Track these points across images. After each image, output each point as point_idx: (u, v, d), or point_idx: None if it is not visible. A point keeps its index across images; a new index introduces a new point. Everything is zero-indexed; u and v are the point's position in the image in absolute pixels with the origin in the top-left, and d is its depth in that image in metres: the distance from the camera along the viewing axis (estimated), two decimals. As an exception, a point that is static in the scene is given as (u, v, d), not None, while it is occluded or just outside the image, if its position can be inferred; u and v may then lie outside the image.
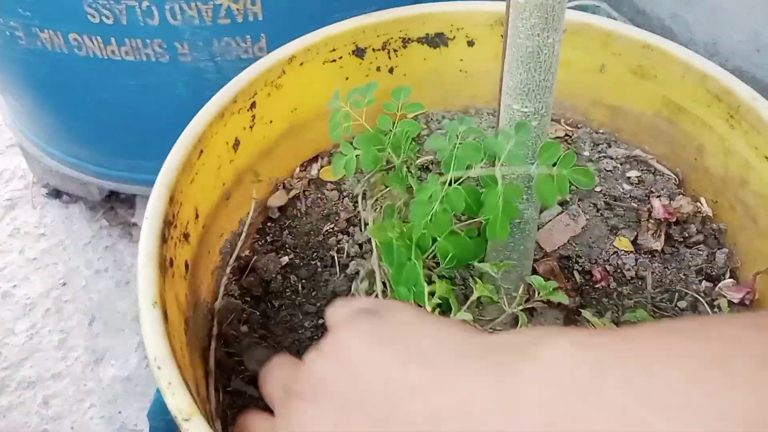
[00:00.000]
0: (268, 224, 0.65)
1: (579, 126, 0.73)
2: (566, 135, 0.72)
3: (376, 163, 0.53)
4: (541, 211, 0.65)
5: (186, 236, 0.53)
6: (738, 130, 0.60)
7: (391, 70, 0.69)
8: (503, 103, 0.51)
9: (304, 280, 0.61)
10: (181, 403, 0.39)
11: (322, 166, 0.69)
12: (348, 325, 0.34)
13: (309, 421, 0.33)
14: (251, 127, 0.60)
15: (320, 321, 0.58)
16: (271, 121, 0.63)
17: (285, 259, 0.62)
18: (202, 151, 0.54)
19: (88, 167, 1.09)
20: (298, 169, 0.68)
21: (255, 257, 0.62)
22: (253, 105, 0.59)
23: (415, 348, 0.31)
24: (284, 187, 0.67)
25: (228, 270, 0.60)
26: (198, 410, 0.39)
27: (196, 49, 0.83)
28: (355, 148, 0.54)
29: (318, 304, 0.59)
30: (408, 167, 0.52)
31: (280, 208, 0.66)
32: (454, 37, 0.68)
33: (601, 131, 0.72)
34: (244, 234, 0.62)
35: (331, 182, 0.68)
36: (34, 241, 1.16)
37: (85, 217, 1.20)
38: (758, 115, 0.57)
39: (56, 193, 1.22)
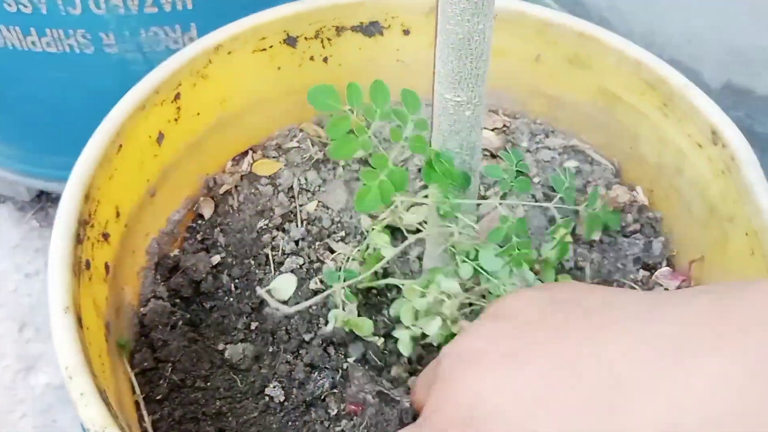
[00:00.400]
0: (199, 222, 0.63)
1: (517, 116, 0.72)
2: (504, 126, 0.71)
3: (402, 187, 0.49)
4: (478, 205, 0.64)
5: (105, 236, 0.50)
6: (671, 119, 0.60)
7: (325, 60, 0.67)
8: (436, 92, 0.50)
9: (237, 280, 0.59)
10: (94, 415, 0.36)
11: (255, 160, 0.66)
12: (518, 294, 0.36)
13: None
14: (176, 120, 0.58)
15: (253, 323, 0.56)
16: (198, 114, 0.60)
17: (216, 258, 0.60)
18: (121, 146, 0.51)
19: (14, 165, 1.03)
20: (229, 163, 0.66)
21: (184, 257, 0.59)
22: (177, 96, 0.57)
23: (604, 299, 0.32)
24: (214, 182, 0.64)
25: (154, 271, 0.57)
26: (113, 422, 0.37)
27: (122, 39, 0.79)
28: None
29: (252, 304, 0.57)
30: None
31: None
32: (389, 25, 0.66)
33: (538, 121, 0.71)
34: (171, 233, 0.59)
35: (265, 177, 0.65)
36: (-41, 244, 1.10)
37: (13, 218, 1.14)
38: (690, 102, 0.58)
39: (-18, 194, 1.16)
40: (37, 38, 0.78)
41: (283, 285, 0.51)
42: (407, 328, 0.50)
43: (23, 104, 0.89)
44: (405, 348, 0.50)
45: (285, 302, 0.50)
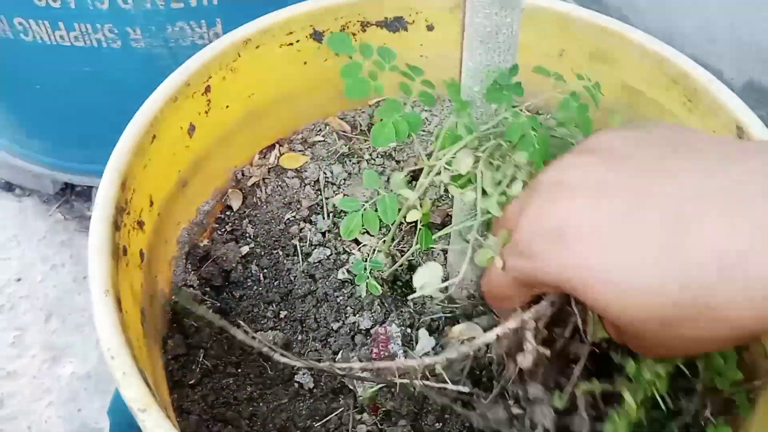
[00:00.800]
0: (227, 213, 0.64)
1: (540, 113, 0.73)
2: (527, 120, 0.71)
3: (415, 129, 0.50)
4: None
5: (140, 224, 0.51)
6: (696, 114, 0.60)
7: (350, 56, 0.68)
8: (463, 83, 0.51)
9: (265, 270, 0.60)
10: (136, 394, 0.38)
11: (282, 153, 0.67)
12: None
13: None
14: (207, 113, 0.59)
15: (282, 312, 0.57)
16: (227, 106, 0.61)
17: (245, 249, 0.61)
18: (155, 136, 0.53)
19: (40, 158, 1.05)
20: (257, 156, 0.67)
21: (214, 247, 0.60)
22: (207, 89, 0.58)
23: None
24: (243, 175, 0.65)
25: (185, 260, 0.59)
26: (155, 401, 0.38)
27: (148, 34, 0.81)
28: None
29: (280, 294, 0.58)
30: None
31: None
32: (414, 21, 0.67)
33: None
34: (200, 223, 0.61)
35: (292, 170, 0.67)
36: (-15, 236, 1.12)
37: (39, 211, 1.16)
38: (714, 97, 0.58)
39: (8, 187, 1.18)
40: (66, 32, 0.80)
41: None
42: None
43: (50, 98, 0.91)
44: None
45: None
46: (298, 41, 0.64)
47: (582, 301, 0.34)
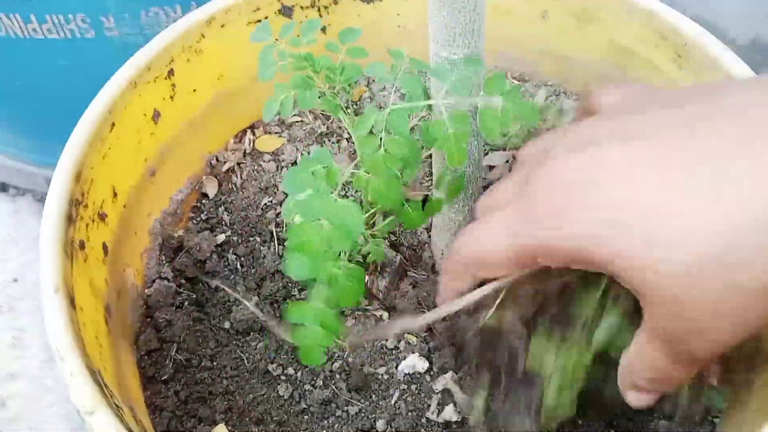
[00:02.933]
0: (203, 201, 0.62)
1: (527, 79, 0.69)
2: (513, 88, 0.68)
3: (314, 102, 0.47)
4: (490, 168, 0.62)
5: (102, 216, 0.49)
6: (686, 70, 0.57)
7: (323, 29, 0.65)
8: (431, 51, 0.48)
9: (242, 258, 0.58)
10: (83, 395, 0.36)
11: (257, 136, 0.65)
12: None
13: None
14: (172, 97, 0.56)
15: (258, 299, 0.55)
16: (194, 90, 0.59)
17: (221, 237, 0.59)
18: (113, 124, 0.50)
19: (30, 157, 1.04)
20: (231, 140, 0.64)
21: (188, 237, 0.58)
22: (171, 73, 0.55)
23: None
24: (217, 160, 0.63)
25: (159, 252, 0.56)
26: (104, 402, 0.36)
27: (122, 22, 0.78)
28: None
29: (258, 282, 0.56)
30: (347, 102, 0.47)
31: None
32: (388, -10, 0.64)
33: (549, 83, 0.69)
34: (174, 213, 0.58)
35: (268, 153, 0.64)
36: (-18, 238, 1.11)
37: (34, 210, 1.15)
38: (705, 52, 0.54)
39: (2, 187, 1.17)
40: (38, 25, 0.78)
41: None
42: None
43: (31, 94, 0.89)
44: None
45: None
46: (266, 17, 0.61)
47: (608, 265, 0.31)
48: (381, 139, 0.41)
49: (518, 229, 0.34)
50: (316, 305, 0.38)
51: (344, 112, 0.46)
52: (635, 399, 0.37)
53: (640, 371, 0.35)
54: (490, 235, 0.36)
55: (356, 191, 0.60)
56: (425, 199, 0.59)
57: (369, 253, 0.47)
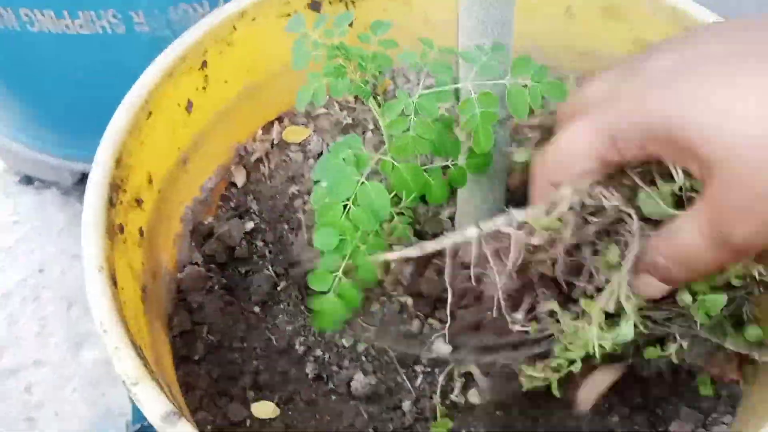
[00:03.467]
0: (232, 190, 0.63)
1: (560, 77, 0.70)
2: (536, 83, 0.69)
3: (346, 89, 0.49)
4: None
5: (138, 202, 0.51)
6: (710, 64, 0.58)
7: (351, 24, 0.66)
8: (461, 44, 0.49)
9: (270, 244, 0.59)
10: (128, 367, 0.37)
11: (284, 127, 0.66)
12: None
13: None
14: (204, 88, 0.58)
15: (285, 283, 0.56)
16: (226, 81, 0.60)
17: (250, 225, 0.60)
18: (150, 113, 0.52)
19: (57, 150, 1.06)
20: (260, 131, 0.66)
21: (218, 224, 0.60)
22: (204, 64, 0.57)
23: None
24: (246, 150, 0.64)
25: (190, 238, 0.58)
26: (148, 375, 0.37)
27: (152, 18, 0.80)
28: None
29: (285, 267, 0.57)
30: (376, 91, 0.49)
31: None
32: (415, -15, 0.65)
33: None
34: (204, 200, 0.60)
35: (295, 144, 0.66)
36: (8, 229, 1.14)
37: (59, 203, 1.17)
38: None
39: (28, 180, 1.19)
40: (70, 21, 0.80)
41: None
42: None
43: (61, 89, 0.91)
44: None
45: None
46: (296, 11, 0.63)
47: (689, 137, 0.33)
48: (411, 121, 0.42)
49: (609, 119, 0.37)
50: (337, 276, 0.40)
51: (374, 99, 0.47)
52: (645, 285, 0.39)
53: (672, 247, 0.36)
54: (578, 133, 0.38)
55: (381, 179, 0.61)
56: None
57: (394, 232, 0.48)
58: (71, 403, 0.95)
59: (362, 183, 0.40)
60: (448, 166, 0.46)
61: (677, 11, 0.59)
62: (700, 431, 0.50)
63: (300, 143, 0.65)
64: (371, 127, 0.66)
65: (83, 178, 1.16)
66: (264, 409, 0.49)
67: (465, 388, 0.50)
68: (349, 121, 0.66)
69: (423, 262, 0.57)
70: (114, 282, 0.42)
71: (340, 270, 0.40)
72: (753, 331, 0.45)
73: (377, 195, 0.39)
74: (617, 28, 0.63)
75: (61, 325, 1.02)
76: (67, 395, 0.96)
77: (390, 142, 0.44)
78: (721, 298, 0.41)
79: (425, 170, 0.45)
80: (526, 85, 0.42)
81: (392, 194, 0.47)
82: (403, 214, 0.47)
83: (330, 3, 0.64)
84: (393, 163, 0.42)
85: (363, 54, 0.45)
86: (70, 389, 0.97)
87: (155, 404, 0.36)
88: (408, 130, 0.41)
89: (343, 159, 0.43)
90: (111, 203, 0.46)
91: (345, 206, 0.40)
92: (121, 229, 0.47)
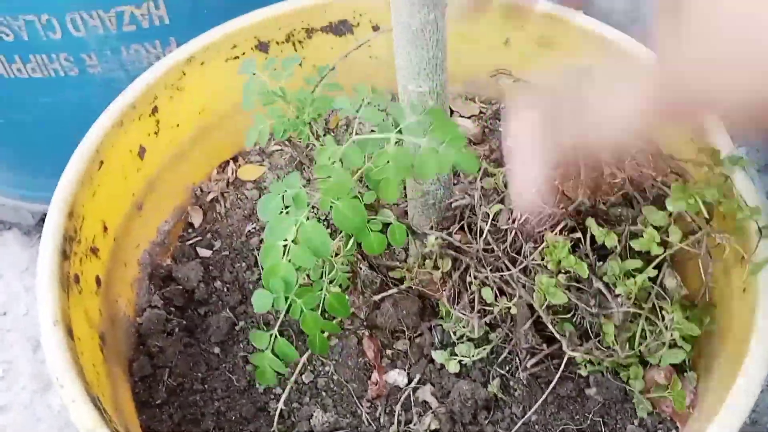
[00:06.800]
0: (189, 231, 0.64)
1: (493, 102, 0.73)
2: (480, 112, 0.72)
3: (288, 129, 0.50)
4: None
5: (94, 251, 0.52)
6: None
7: (299, 63, 0.68)
8: (399, 83, 0.51)
9: (228, 284, 0.60)
10: (84, 420, 0.38)
11: (239, 166, 0.68)
12: None
13: None
14: (156, 133, 0.59)
15: (243, 323, 0.57)
16: (177, 125, 0.61)
17: (207, 265, 0.61)
18: (102, 162, 0.53)
19: (15, 191, 1.06)
20: (215, 171, 0.67)
21: (176, 266, 0.61)
22: (155, 110, 0.58)
23: None
24: (201, 191, 0.66)
25: (148, 281, 0.59)
26: (104, 425, 0.38)
27: (104, 59, 0.81)
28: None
29: (245, 307, 0.59)
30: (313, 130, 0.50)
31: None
32: (358, 23, 0.68)
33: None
34: (162, 243, 0.61)
35: (251, 181, 0.67)
36: (-31, 272, 1.13)
37: (20, 243, 1.16)
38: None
39: (-12, 222, 1.18)
40: (22, 65, 0.80)
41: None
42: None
43: (16, 131, 0.91)
44: None
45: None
46: (243, 54, 0.64)
47: None
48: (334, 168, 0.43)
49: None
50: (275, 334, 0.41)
51: (316, 139, 0.49)
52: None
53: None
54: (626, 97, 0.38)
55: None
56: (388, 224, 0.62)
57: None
58: (40, 447, 0.95)
59: (301, 223, 0.42)
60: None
61: (606, 41, 0.62)
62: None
63: (255, 181, 0.67)
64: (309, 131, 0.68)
65: (44, 217, 1.16)
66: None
67: (421, 416, 0.52)
68: (303, 158, 0.68)
69: (379, 295, 0.58)
70: (70, 334, 0.43)
71: (275, 329, 0.42)
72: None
73: (316, 233, 0.41)
74: (552, 58, 0.66)
75: (28, 367, 1.02)
76: (36, 439, 0.95)
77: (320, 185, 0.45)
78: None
79: (369, 221, 0.46)
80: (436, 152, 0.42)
81: (338, 238, 0.48)
82: (344, 264, 0.49)
83: (278, 44, 0.66)
84: (332, 202, 0.43)
85: (300, 98, 0.47)
86: (39, 434, 0.96)
87: (113, 456, 0.37)
88: (330, 177, 0.42)
89: (282, 198, 0.45)
90: (65, 255, 0.47)
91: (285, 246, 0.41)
92: (77, 280, 0.48)
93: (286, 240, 0.41)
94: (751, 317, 0.44)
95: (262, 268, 0.60)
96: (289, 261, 0.40)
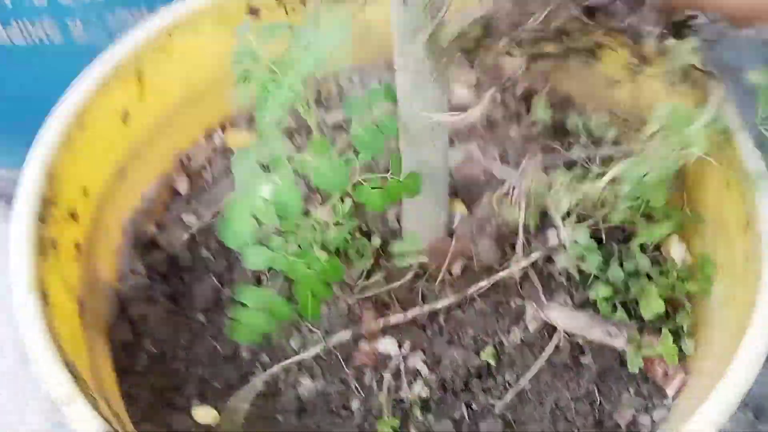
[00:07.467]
0: (174, 197, 0.63)
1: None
2: (479, 81, 0.70)
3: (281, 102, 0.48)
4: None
5: (73, 215, 0.50)
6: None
7: (290, 28, 0.66)
8: (396, 48, 0.49)
9: (213, 251, 0.59)
10: (59, 387, 0.37)
11: (226, 134, 0.66)
12: None
13: None
14: (141, 98, 0.57)
15: (227, 291, 0.56)
16: (163, 90, 0.60)
17: (193, 232, 0.60)
18: (83, 124, 0.51)
19: (2, 161, 1.04)
20: (202, 138, 0.66)
21: (160, 234, 0.59)
22: (139, 73, 0.56)
23: None
24: (188, 158, 0.64)
25: (131, 248, 0.57)
26: (81, 394, 0.37)
27: (90, 26, 0.78)
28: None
29: (230, 275, 0.57)
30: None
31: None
32: (352, -12, 0.65)
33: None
34: (146, 210, 0.59)
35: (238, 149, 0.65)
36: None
37: (3, 215, 1.14)
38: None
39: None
40: (3, 30, 0.78)
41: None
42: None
43: (2, 100, 0.89)
44: None
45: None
46: (233, 18, 0.62)
47: None
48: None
49: None
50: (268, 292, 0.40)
51: (306, 106, 0.48)
52: None
53: None
54: None
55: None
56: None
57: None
58: (26, 416, 0.93)
59: (276, 181, 0.40)
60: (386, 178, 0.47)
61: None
62: (643, 416, 0.51)
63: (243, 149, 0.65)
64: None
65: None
66: (204, 414, 0.49)
67: (411, 383, 0.51)
68: (293, 125, 0.66)
69: (371, 264, 0.57)
70: (45, 300, 0.42)
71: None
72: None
73: (287, 191, 0.39)
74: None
75: (11, 335, 1.00)
76: (22, 407, 0.94)
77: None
78: None
79: (365, 180, 0.45)
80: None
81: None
82: (339, 223, 0.48)
83: (268, 9, 0.64)
84: (311, 163, 0.42)
85: (277, 62, 0.45)
86: (23, 401, 0.95)
87: (90, 425, 0.36)
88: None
89: (257, 160, 0.43)
90: (41, 219, 0.45)
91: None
92: (54, 245, 0.46)
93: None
94: (755, 285, 0.43)
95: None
96: (254, 217, 0.39)
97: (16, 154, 1.00)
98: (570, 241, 0.51)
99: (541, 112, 0.55)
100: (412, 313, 0.54)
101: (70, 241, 0.49)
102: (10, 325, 1.01)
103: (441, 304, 0.53)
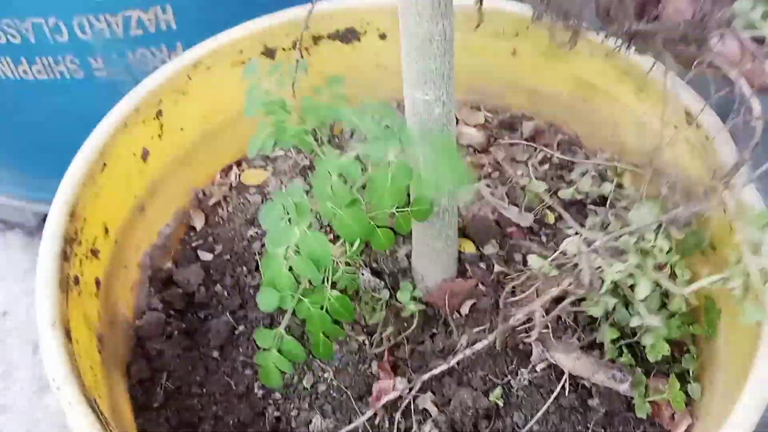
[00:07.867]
0: (190, 234, 0.64)
1: (498, 111, 0.73)
2: (486, 121, 0.72)
3: (293, 138, 0.50)
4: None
5: (94, 253, 0.51)
6: (647, 103, 0.60)
7: (305, 70, 0.68)
8: (405, 91, 0.51)
9: (229, 288, 0.60)
10: (81, 423, 0.38)
11: (242, 170, 0.68)
12: None
13: None
14: (160, 136, 0.59)
15: (243, 327, 0.57)
16: (182, 129, 0.61)
17: (208, 269, 0.61)
18: (105, 164, 0.53)
19: (19, 191, 1.06)
20: (218, 175, 0.67)
21: (177, 269, 0.60)
22: (159, 113, 0.58)
23: None
24: (204, 194, 0.65)
25: (148, 284, 0.59)
26: (101, 429, 0.38)
27: (110, 62, 0.81)
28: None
29: (245, 311, 0.58)
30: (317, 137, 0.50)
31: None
32: (365, 31, 0.68)
33: (520, 114, 0.72)
34: (163, 246, 0.61)
35: (254, 186, 0.67)
36: (-29, 272, 1.13)
37: (22, 244, 1.16)
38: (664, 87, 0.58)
39: (-9, 222, 1.18)
40: (28, 67, 0.80)
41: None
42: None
43: (22, 132, 0.91)
44: None
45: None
46: (250, 59, 0.64)
47: None
48: (331, 186, 0.43)
49: None
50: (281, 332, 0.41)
51: (320, 147, 0.49)
52: None
53: None
54: None
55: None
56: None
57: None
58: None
59: (304, 231, 0.41)
60: (394, 213, 0.48)
61: (612, 52, 0.62)
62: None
63: (258, 185, 0.67)
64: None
65: (46, 219, 1.16)
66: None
67: (420, 424, 0.52)
68: (307, 163, 0.68)
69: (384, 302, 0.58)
70: (68, 336, 0.43)
71: (282, 326, 0.41)
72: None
73: (318, 243, 0.41)
74: (559, 68, 0.66)
75: (27, 369, 1.01)
76: (32, 437, 0.95)
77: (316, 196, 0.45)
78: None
79: (371, 217, 0.46)
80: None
81: (341, 242, 0.48)
82: (349, 264, 0.49)
83: (284, 50, 0.66)
84: (335, 210, 0.43)
85: (303, 107, 0.47)
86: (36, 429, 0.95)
87: (108, 459, 0.37)
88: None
89: (283, 206, 0.45)
90: (65, 257, 0.47)
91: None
92: (77, 281, 0.48)
93: (287, 249, 0.41)
94: (757, 329, 0.44)
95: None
96: (290, 270, 0.40)
97: (34, 187, 1.03)
98: None
99: None
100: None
101: (91, 278, 0.50)
102: (23, 350, 1.02)
103: (453, 360, 0.54)
